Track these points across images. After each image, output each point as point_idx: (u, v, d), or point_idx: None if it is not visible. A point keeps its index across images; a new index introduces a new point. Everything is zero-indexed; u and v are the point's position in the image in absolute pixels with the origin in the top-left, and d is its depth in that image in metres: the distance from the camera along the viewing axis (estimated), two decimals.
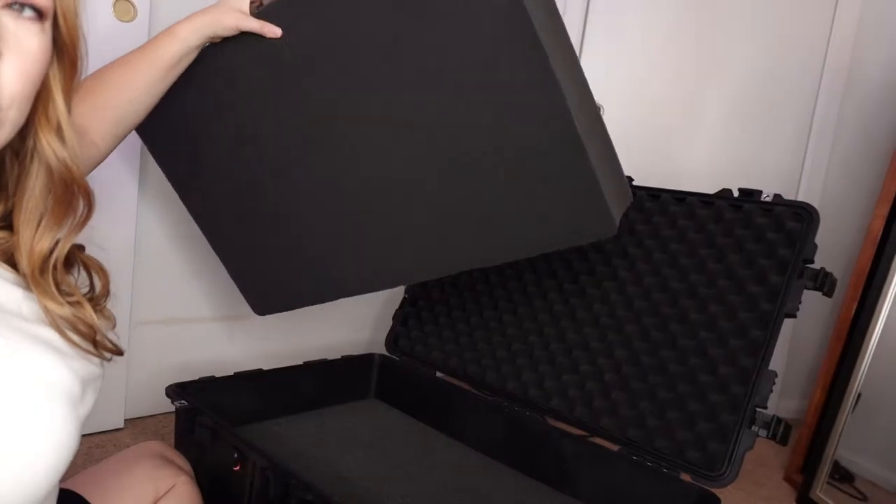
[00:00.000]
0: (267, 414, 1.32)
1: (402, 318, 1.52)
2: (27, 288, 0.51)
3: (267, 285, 1.12)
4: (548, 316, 1.31)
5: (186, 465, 0.85)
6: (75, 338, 0.52)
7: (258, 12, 0.90)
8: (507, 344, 1.34)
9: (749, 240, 1.12)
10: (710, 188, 1.25)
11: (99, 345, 0.54)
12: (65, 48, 0.49)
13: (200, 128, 1.01)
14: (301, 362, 1.40)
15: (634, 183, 1.31)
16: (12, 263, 0.51)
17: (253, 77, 0.93)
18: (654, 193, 1.27)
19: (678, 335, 1.14)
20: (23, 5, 0.44)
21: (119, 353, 0.58)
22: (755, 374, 1.04)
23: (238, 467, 0.96)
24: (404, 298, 1.55)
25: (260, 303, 1.15)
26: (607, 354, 1.21)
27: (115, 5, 1.26)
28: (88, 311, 0.53)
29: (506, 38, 0.78)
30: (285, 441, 1.23)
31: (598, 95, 1.94)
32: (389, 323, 1.56)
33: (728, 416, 1.04)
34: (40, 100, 0.48)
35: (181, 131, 1.03)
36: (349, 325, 1.78)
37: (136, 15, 1.28)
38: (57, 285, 0.52)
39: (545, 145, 0.83)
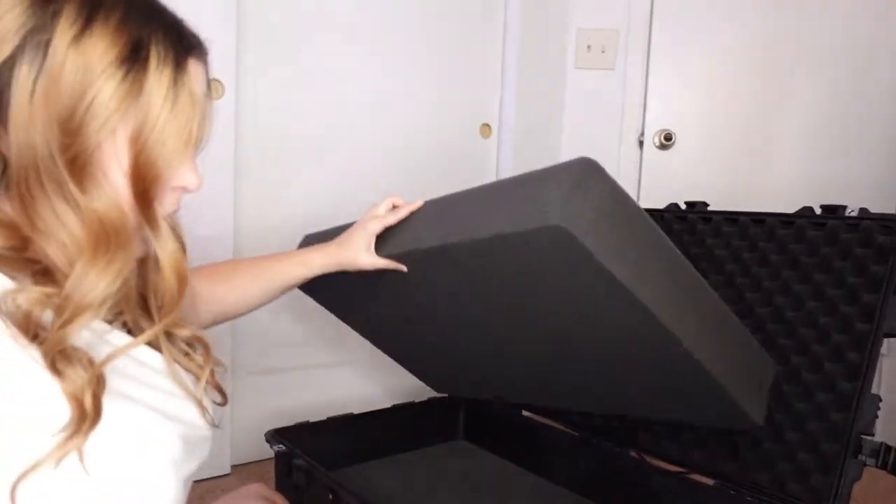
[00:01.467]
0: (359, 457, 1.36)
1: None
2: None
3: (444, 374, 1.32)
4: None
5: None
6: (188, 392, 0.59)
7: (385, 254, 0.95)
8: None
9: (836, 257, 1.08)
10: (791, 208, 1.21)
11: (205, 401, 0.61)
12: None
13: (360, 288, 1.08)
14: (390, 405, 1.45)
15: (710, 208, 1.29)
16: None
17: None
18: (731, 217, 1.24)
19: None
20: None
21: (224, 402, 0.64)
22: (856, 399, 0.98)
23: None
24: None
25: (439, 384, 1.37)
26: None
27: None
28: (203, 373, 0.61)
29: (573, 271, 0.76)
30: (377, 483, 1.27)
31: (667, 118, 1.94)
32: None
33: (830, 444, 0.98)
34: None
35: (342, 287, 1.09)
36: None
37: (223, 93, 1.42)
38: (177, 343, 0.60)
39: (658, 363, 0.84)
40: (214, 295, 0.87)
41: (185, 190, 0.56)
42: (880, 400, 0.99)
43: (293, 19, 1.55)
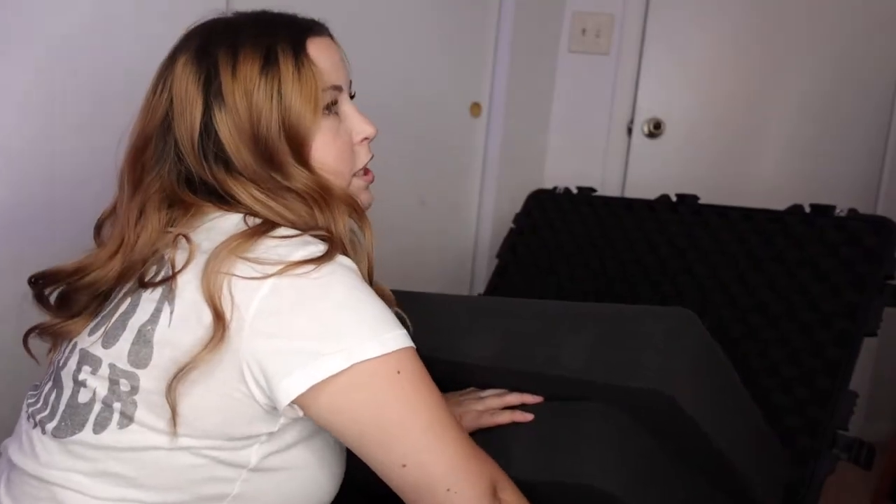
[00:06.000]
0: None
1: None
2: None
3: None
4: None
5: None
6: None
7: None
8: None
9: (823, 256, 1.09)
10: (780, 204, 1.22)
11: None
12: None
13: None
14: None
15: (700, 201, 1.30)
16: None
17: None
18: (721, 211, 1.25)
19: (750, 354, 1.11)
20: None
21: None
22: (834, 395, 1.00)
23: None
24: None
25: None
26: None
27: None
28: None
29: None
30: None
31: (658, 107, 1.94)
32: None
33: (806, 439, 1.01)
34: None
35: None
36: None
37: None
38: None
39: None
40: None
41: (366, 139, 0.71)
42: (857, 396, 1.01)
43: None
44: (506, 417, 0.79)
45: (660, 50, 1.92)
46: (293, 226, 0.63)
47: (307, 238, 0.61)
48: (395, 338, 0.59)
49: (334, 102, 0.67)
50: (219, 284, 0.57)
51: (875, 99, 1.93)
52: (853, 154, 1.94)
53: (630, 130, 1.96)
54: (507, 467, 0.68)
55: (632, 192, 1.94)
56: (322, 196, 0.64)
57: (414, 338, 0.80)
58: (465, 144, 1.92)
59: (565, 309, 0.78)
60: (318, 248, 0.60)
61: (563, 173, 1.93)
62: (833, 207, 1.11)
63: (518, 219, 1.57)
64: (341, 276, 0.59)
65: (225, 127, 0.62)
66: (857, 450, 0.97)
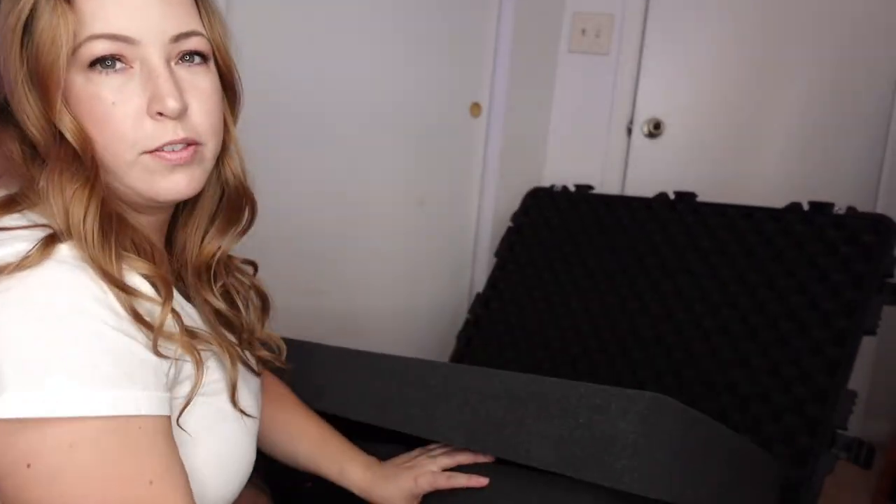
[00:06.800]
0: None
1: (466, 339, 1.54)
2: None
3: None
4: (609, 333, 1.30)
5: (264, 486, 0.89)
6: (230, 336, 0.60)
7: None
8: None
9: (822, 254, 1.09)
10: (779, 202, 1.22)
11: (256, 350, 0.63)
12: (225, 79, 0.57)
13: None
14: None
15: (699, 199, 1.30)
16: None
17: None
18: (721, 210, 1.25)
19: (750, 353, 1.11)
20: (191, 55, 0.53)
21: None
22: (833, 394, 1.00)
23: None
24: (468, 320, 1.57)
25: None
26: (675, 374, 1.19)
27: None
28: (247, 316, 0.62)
29: None
30: None
31: (657, 107, 1.94)
32: (453, 343, 1.58)
33: (805, 438, 1.00)
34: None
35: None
36: (413, 344, 1.82)
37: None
38: (218, 285, 0.61)
39: None
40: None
41: (161, 114, 0.50)
42: (856, 395, 1.01)
43: None
44: (462, 481, 0.73)
45: (660, 50, 1.92)
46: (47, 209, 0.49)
47: (35, 233, 0.48)
48: (73, 400, 0.43)
49: (115, 57, 0.50)
50: None
51: (874, 97, 1.92)
52: (852, 152, 1.93)
53: (630, 130, 1.95)
54: None
55: (631, 193, 1.93)
56: (38, 154, 0.50)
57: (380, 407, 0.78)
58: (465, 144, 1.92)
59: (533, 388, 0.71)
60: (16, 249, 0.46)
61: (562, 174, 1.92)
62: (832, 205, 1.11)
63: (516, 217, 1.57)
64: (20, 295, 0.45)
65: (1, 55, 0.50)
66: (856, 449, 0.97)
